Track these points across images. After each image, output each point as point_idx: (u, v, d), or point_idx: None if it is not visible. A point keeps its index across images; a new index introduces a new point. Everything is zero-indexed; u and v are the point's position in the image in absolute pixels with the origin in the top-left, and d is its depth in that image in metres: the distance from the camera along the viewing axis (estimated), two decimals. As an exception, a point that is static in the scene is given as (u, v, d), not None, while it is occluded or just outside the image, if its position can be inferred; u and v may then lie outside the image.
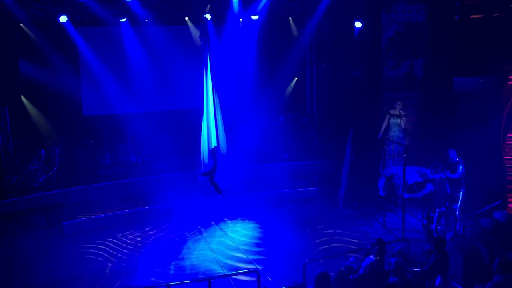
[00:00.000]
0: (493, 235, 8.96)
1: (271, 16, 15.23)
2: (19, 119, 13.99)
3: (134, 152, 15.03)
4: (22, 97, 14.32)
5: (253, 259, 9.65)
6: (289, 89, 17.00)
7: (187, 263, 9.68)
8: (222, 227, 11.48)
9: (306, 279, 7.42)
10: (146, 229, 11.41)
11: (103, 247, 10.56)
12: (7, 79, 13.46)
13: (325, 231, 10.91)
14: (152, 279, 9.03)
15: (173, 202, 12.19)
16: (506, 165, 10.82)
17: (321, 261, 8.57)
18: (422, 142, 12.64)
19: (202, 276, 8.92)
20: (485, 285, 6.33)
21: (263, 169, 14.46)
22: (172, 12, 14.45)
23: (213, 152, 11.81)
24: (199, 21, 14.51)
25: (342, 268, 7.00)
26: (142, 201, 12.51)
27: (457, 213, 9.92)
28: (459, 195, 9.92)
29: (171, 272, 9.30)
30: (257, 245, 10.39)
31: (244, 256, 9.84)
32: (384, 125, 12.48)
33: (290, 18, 16.14)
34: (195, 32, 15.15)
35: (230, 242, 10.57)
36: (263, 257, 9.75)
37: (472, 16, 12.15)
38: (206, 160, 11.95)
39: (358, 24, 14.03)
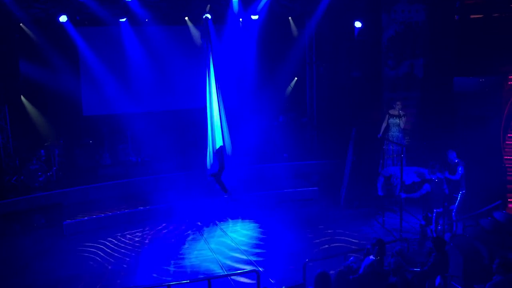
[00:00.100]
0: (493, 235, 8.96)
1: (271, 16, 15.22)
2: (19, 119, 13.97)
3: (134, 152, 15.02)
4: (22, 97, 14.31)
5: (253, 259, 9.65)
6: (289, 89, 16.99)
7: (187, 263, 9.68)
8: (222, 227, 11.48)
9: (306, 279, 7.43)
10: (146, 229, 11.42)
11: (103, 247, 10.56)
12: (7, 79, 13.44)
13: (325, 231, 10.92)
14: (154, 275, 9.05)
15: (173, 202, 12.20)
16: (506, 165, 10.82)
17: (321, 261, 8.56)
18: (422, 142, 12.64)
19: (202, 276, 8.92)
20: (485, 285, 6.33)
21: (263, 169, 14.46)
22: (172, 12, 14.45)
23: (219, 151, 11.77)
24: (199, 21, 14.49)
25: (342, 268, 7.00)
26: (142, 201, 12.51)
27: (453, 214, 9.91)
28: (458, 197, 9.91)
29: (171, 272, 9.30)
30: (257, 245, 10.39)
31: (244, 256, 9.83)
32: (384, 125, 12.49)
33: (290, 18, 16.13)
34: (195, 32, 15.15)
35: (230, 242, 10.57)
36: (263, 258, 9.73)
37: (472, 16, 12.15)
38: (213, 160, 11.93)
39: (358, 24, 14.03)
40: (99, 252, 10.30)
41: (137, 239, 10.94)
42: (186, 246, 10.47)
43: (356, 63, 14.75)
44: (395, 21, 13.12)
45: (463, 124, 11.97)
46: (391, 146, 12.43)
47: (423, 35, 13.12)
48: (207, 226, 11.51)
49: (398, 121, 12.28)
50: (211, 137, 11.93)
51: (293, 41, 16.08)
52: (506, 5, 11.59)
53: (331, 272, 6.61)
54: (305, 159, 15.10)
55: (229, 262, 9.59)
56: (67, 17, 13.58)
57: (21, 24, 13.74)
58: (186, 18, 15.11)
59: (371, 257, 7.08)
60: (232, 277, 8.73)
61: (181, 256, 9.97)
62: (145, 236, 11.09)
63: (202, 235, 11.02)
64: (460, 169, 9.82)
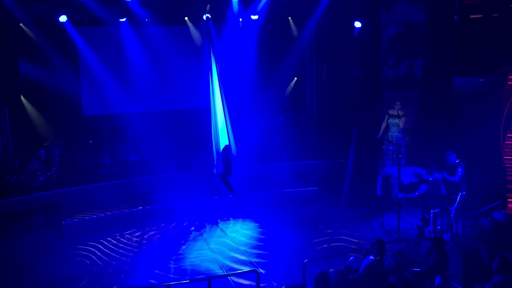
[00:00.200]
0: (492, 235, 8.94)
1: (271, 16, 15.22)
2: (19, 119, 13.97)
3: (134, 152, 15.01)
4: (21, 97, 14.31)
5: (253, 259, 9.65)
6: (289, 89, 16.99)
7: (186, 262, 9.68)
8: (222, 227, 11.49)
9: (305, 279, 7.43)
10: (145, 229, 11.42)
11: (102, 247, 10.56)
12: (7, 79, 13.43)
13: (324, 231, 10.92)
14: (152, 280, 9.02)
15: (172, 202, 12.20)
16: (506, 165, 10.81)
17: (320, 261, 8.56)
18: (421, 142, 12.63)
19: (201, 276, 8.92)
20: (485, 285, 6.33)
21: (263, 169, 14.46)
22: (172, 12, 14.45)
23: (225, 151, 11.73)
24: (199, 21, 14.52)
25: (342, 268, 7.00)
26: (142, 201, 12.52)
27: (451, 215, 9.90)
28: (457, 198, 9.90)
29: (171, 271, 9.30)
30: (257, 245, 10.39)
31: (243, 256, 9.83)
32: (384, 125, 12.48)
33: (290, 18, 16.13)
34: (195, 32, 15.15)
35: (230, 242, 10.57)
36: (263, 258, 9.74)
37: (472, 16, 12.14)
38: (218, 161, 11.88)
39: (357, 24, 14.04)
40: (99, 253, 10.30)
41: (137, 239, 10.94)
42: (186, 246, 10.47)
43: (356, 63, 14.75)
44: (395, 21, 13.11)
45: (463, 124, 11.96)
46: (390, 146, 12.41)
47: (422, 35, 13.12)
48: (207, 226, 11.51)
49: (398, 121, 12.27)
50: (215, 138, 11.89)
51: (293, 41, 16.08)
52: (506, 5, 11.58)
53: (331, 270, 6.61)
54: (305, 159, 15.10)
55: (229, 262, 9.59)
56: (67, 17, 13.59)
57: (21, 24, 13.74)
58: (186, 18, 15.12)
59: (371, 257, 7.08)
60: (232, 277, 8.72)
61: (181, 256, 9.97)
62: (145, 236, 11.09)
63: (202, 235, 11.03)
64: (459, 170, 9.79)
